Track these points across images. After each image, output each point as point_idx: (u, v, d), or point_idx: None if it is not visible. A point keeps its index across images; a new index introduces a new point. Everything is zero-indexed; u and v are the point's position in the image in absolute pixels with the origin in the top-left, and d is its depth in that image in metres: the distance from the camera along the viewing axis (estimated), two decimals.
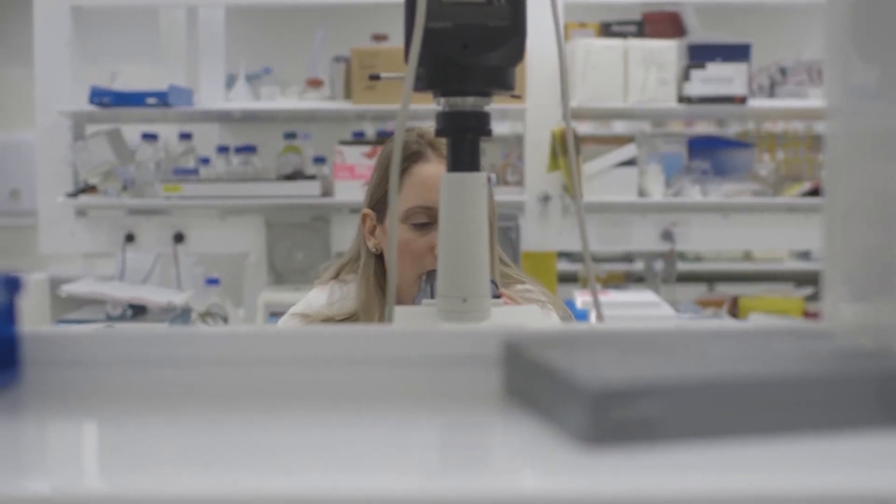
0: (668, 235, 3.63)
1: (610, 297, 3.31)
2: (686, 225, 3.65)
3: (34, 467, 0.66)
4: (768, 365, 0.72)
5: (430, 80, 1.09)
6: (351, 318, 1.73)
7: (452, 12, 1.06)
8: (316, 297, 1.80)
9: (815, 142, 3.81)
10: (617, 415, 0.63)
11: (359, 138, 3.81)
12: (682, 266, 4.55)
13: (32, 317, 3.55)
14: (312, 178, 3.51)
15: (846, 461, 0.64)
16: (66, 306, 3.57)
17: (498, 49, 1.07)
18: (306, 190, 3.46)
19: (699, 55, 3.51)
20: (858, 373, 0.70)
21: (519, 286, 1.74)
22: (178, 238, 3.60)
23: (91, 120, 3.70)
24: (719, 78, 3.47)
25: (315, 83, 3.73)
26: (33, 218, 3.74)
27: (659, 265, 4.01)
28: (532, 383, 0.74)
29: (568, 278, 4.77)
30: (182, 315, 3.43)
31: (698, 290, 5.16)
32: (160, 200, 3.47)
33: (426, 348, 0.84)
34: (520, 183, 3.68)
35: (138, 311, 3.44)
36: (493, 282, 1.46)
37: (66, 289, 3.41)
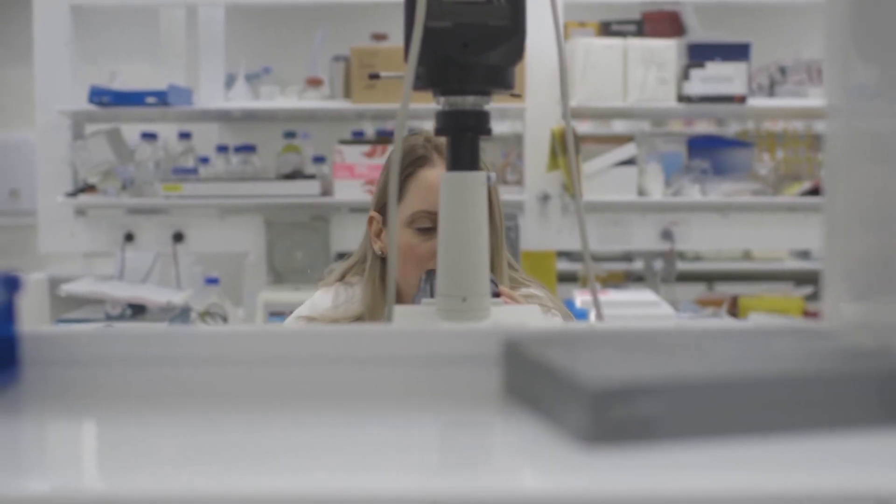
0: (667, 235, 3.63)
1: (609, 296, 3.31)
2: (685, 224, 3.65)
3: (33, 467, 0.66)
4: (768, 364, 0.72)
5: (429, 79, 1.08)
6: (357, 320, 1.73)
7: (452, 11, 1.06)
8: (321, 300, 1.79)
9: (815, 141, 3.81)
10: (617, 414, 0.63)
11: (358, 138, 3.80)
12: (682, 265, 4.54)
13: (32, 316, 3.55)
14: (312, 177, 3.51)
15: (846, 460, 0.64)
16: (66, 306, 3.56)
17: (498, 48, 1.07)
18: (306, 189, 3.46)
19: (699, 54, 3.51)
20: (859, 372, 0.70)
21: (523, 290, 1.73)
22: (178, 237, 3.60)
23: (90, 119, 3.69)
24: (719, 77, 3.47)
25: (314, 82, 3.73)
26: (33, 217, 3.74)
27: (658, 264, 4.01)
28: (532, 382, 0.74)
29: (567, 278, 4.77)
30: (181, 314, 3.43)
31: (698, 290, 5.16)
32: (159, 200, 3.46)
33: (426, 347, 0.84)
34: (519, 182, 3.68)
35: (138, 310, 3.44)
36: (493, 280, 1.46)
37: (66, 288, 3.41)
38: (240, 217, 3.66)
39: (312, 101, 3.69)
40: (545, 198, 3.57)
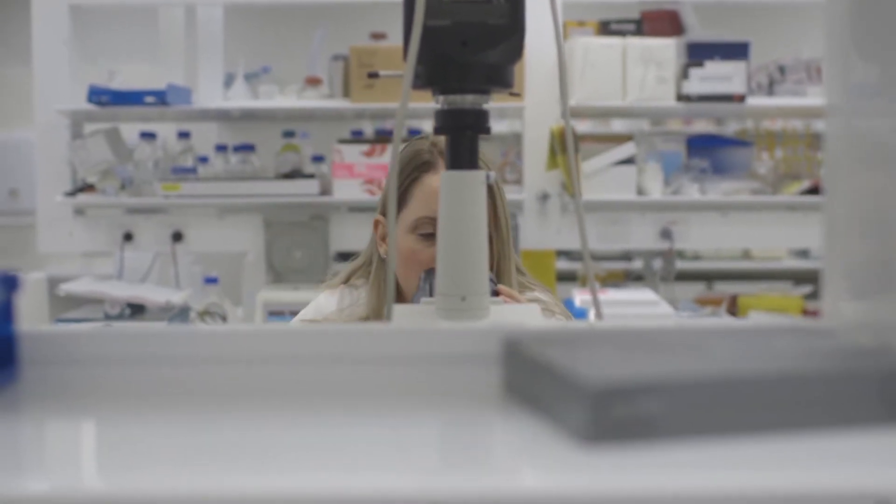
0: (666, 234, 3.63)
1: (609, 295, 3.31)
2: (685, 223, 3.65)
3: (32, 466, 0.65)
4: (769, 363, 0.72)
5: (428, 78, 1.08)
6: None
7: (451, 10, 1.06)
8: (326, 302, 1.79)
9: (814, 140, 3.81)
10: (617, 413, 0.63)
11: (357, 137, 3.80)
12: (681, 264, 4.54)
13: (31, 316, 3.55)
14: (311, 176, 3.50)
15: (846, 459, 0.64)
16: (65, 305, 3.56)
17: (497, 47, 1.07)
18: (305, 189, 3.46)
19: (698, 53, 3.51)
20: (859, 370, 0.70)
21: (528, 294, 1.73)
22: (177, 237, 3.60)
23: (89, 119, 3.69)
24: (718, 76, 3.47)
25: (313, 82, 3.72)
26: (32, 217, 3.74)
27: (658, 264, 4.01)
28: (532, 381, 0.73)
29: (567, 277, 4.78)
30: (180, 314, 3.43)
31: (697, 289, 5.16)
32: (158, 199, 3.46)
33: (425, 347, 0.83)
34: (518, 181, 3.68)
35: (137, 310, 3.43)
36: (492, 279, 1.46)
37: (65, 288, 3.41)
38: (239, 216, 3.66)
39: (311, 101, 3.69)
40: (544, 197, 3.57)
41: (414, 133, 3.71)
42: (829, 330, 0.83)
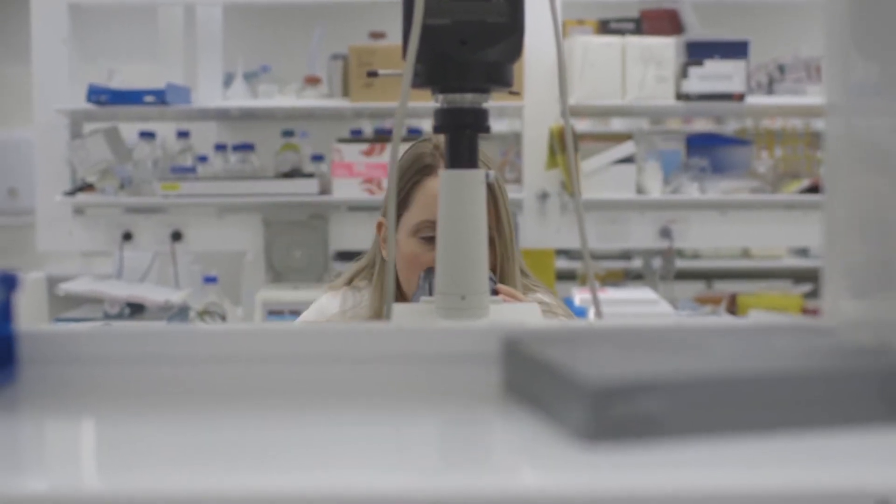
0: (666, 233, 3.63)
1: (608, 294, 3.31)
2: (684, 222, 3.65)
3: (31, 465, 0.65)
4: (769, 361, 0.72)
5: (428, 77, 1.08)
6: None
7: (450, 9, 1.06)
8: (329, 304, 1.79)
9: (814, 139, 3.81)
10: (617, 411, 0.63)
11: (357, 136, 3.80)
12: (681, 263, 4.55)
13: (30, 315, 3.54)
14: (310, 176, 3.50)
15: (847, 457, 0.64)
16: (64, 305, 3.56)
17: (496, 45, 1.07)
18: (304, 188, 3.45)
19: (697, 52, 3.51)
20: (859, 369, 0.70)
21: (531, 295, 1.73)
22: (176, 236, 3.60)
23: (89, 118, 3.69)
24: (717, 75, 3.47)
25: (313, 81, 3.72)
26: (31, 216, 3.74)
27: (657, 262, 4.01)
28: (532, 380, 0.73)
29: (566, 276, 4.78)
30: (180, 313, 3.43)
31: (696, 288, 5.16)
32: (158, 199, 3.46)
33: (425, 345, 0.83)
34: (518, 180, 3.68)
35: (136, 309, 3.43)
36: (491, 278, 1.45)
37: (64, 287, 3.41)
38: (238, 216, 3.65)
39: (311, 100, 3.69)
40: (544, 196, 3.57)
41: (413, 132, 3.72)
42: (829, 328, 0.83)
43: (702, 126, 5.07)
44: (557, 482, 0.60)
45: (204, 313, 3.36)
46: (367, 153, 3.46)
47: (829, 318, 0.85)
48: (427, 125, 4.06)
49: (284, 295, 3.34)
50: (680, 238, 3.66)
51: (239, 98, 3.87)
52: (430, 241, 1.65)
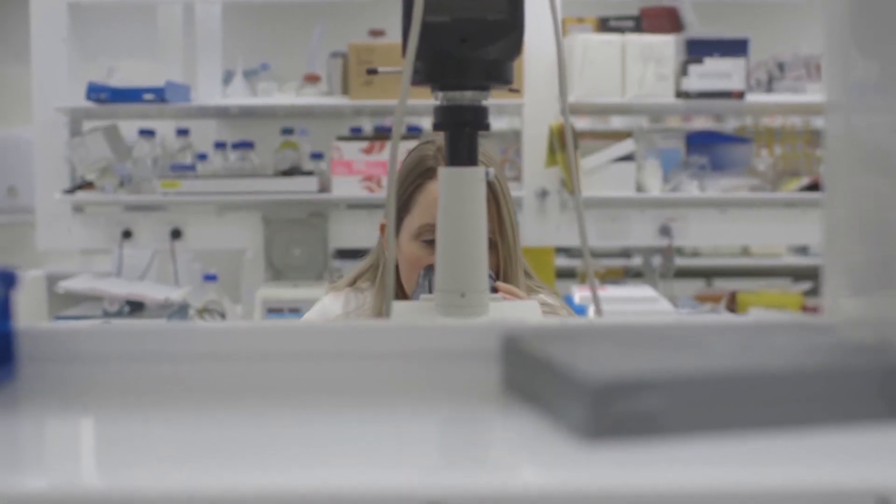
0: (665, 230, 3.63)
1: (608, 292, 3.31)
2: (684, 220, 3.65)
3: (31, 463, 0.65)
4: (769, 359, 0.72)
5: (427, 75, 1.08)
6: None
7: (450, 6, 1.06)
8: (331, 305, 1.79)
9: (813, 137, 3.81)
10: (617, 409, 0.63)
11: (356, 134, 3.80)
12: (680, 261, 4.55)
13: (30, 313, 3.55)
14: (310, 173, 3.50)
15: (847, 456, 0.64)
16: (64, 303, 3.56)
17: (496, 43, 1.07)
18: (304, 186, 3.45)
19: (697, 50, 3.51)
20: (860, 367, 0.70)
21: (534, 296, 1.72)
22: (176, 234, 3.60)
23: (88, 116, 3.69)
24: (717, 73, 3.47)
25: (312, 79, 3.72)
26: (30, 215, 3.74)
27: (657, 260, 4.01)
28: (531, 378, 0.73)
29: (566, 274, 4.78)
30: (179, 311, 3.43)
31: (696, 286, 5.16)
32: (157, 196, 3.46)
33: (425, 343, 0.83)
34: (518, 178, 3.68)
35: (136, 307, 3.43)
36: (491, 276, 1.45)
37: (64, 285, 3.41)
38: (238, 214, 3.65)
39: (310, 98, 3.69)
40: (543, 194, 3.57)
41: (413, 130, 3.71)
42: (829, 326, 0.83)
43: (701, 124, 5.07)
44: (557, 480, 0.60)
45: (203, 311, 3.36)
46: (367, 151, 3.46)
47: (829, 315, 0.85)
48: (427, 123, 4.06)
49: (284, 293, 3.35)
50: (680, 236, 3.66)
51: (238, 96, 3.87)
52: (432, 244, 1.64)
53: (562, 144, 3.39)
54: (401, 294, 1.71)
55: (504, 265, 1.68)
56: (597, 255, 5.27)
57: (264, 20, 5.29)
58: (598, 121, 5.38)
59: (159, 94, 3.44)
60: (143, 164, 3.52)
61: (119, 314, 3.37)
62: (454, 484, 0.58)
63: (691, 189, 3.60)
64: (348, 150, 3.47)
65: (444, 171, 1.13)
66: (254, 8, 5.13)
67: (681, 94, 3.49)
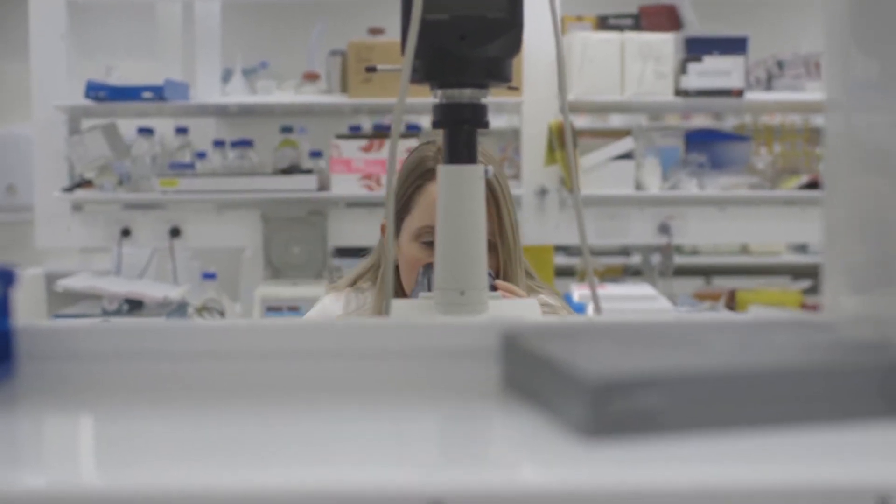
0: (665, 229, 3.63)
1: (607, 290, 3.31)
2: (683, 218, 3.65)
3: (29, 462, 0.65)
4: (769, 356, 0.72)
5: (426, 72, 1.08)
6: None
7: (449, 4, 1.06)
8: (332, 305, 1.78)
9: (813, 135, 3.81)
10: (617, 407, 0.63)
11: (355, 132, 3.80)
12: (679, 259, 4.55)
13: (29, 312, 3.55)
14: (309, 172, 3.50)
15: (847, 453, 0.64)
16: (63, 301, 3.56)
17: (495, 41, 1.07)
18: (303, 184, 3.45)
19: (696, 48, 3.51)
20: (860, 364, 0.70)
21: (535, 296, 1.72)
22: (175, 232, 3.60)
23: (87, 114, 3.69)
24: (716, 71, 3.47)
25: (311, 77, 3.72)
26: (29, 213, 3.73)
27: (656, 259, 4.01)
28: (531, 376, 0.73)
29: (565, 272, 4.78)
30: (178, 310, 3.43)
31: (695, 284, 5.16)
32: (156, 195, 3.46)
33: (424, 341, 0.83)
34: (517, 177, 3.68)
35: (135, 305, 3.43)
36: (490, 274, 1.45)
37: (63, 284, 3.41)
38: (237, 212, 3.65)
39: (309, 96, 3.68)
40: (543, 192, 3.57)
41: (412, 128, 3.72)
42: (828, 324, 0.83)
43: (700, 122, 5.08)
44: (557, 477, 0.60)
45: (202, 309, 3.36)
46: (366, 149, 3.46)
47: (828, 312, 0.85)
48: (426, 121, 4.06)
49: (283, 291, 3.35)
50: (679, 234, 3.67)
51: (237, 94, 3.87)
52: (432, 245, 1.64)
53: (561, 143, 3.39)
54: (401, 294, 1.71)
55: (504, 265, 1.67)
56: (596, 253, 5.27)
57: (263, 18, 5.29)
58: (598, 119, 5.38)
59: (158, 93, 3.44)
60: (141, 162, 3.52)
61: (118, 312, 3.37)
62: (454, 482, 0.58)
63: (690, 187, 3.60)
64: (347, 148, 3.47)
65: (443, 169, 1.12)
66: (253, 6, 5.13)
67: (680, 93, 3.49)
